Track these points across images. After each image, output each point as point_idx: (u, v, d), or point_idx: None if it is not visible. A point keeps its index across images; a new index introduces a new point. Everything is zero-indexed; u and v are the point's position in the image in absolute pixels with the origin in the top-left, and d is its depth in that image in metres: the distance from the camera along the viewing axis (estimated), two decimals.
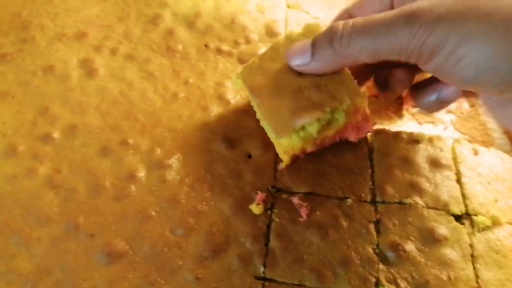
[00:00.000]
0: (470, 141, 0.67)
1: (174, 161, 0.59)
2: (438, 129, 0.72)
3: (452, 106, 0.75)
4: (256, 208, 0.55)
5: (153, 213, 0.52)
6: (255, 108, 0.54)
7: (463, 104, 0.76)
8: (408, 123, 0.73)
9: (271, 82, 0.48)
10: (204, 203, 0.53)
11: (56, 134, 0.61)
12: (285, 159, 0.55)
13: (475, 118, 0.75)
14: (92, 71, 0.68)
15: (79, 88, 0.66)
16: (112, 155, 0.59)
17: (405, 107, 0.73)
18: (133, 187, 0.54)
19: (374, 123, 0.61)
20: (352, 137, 0.58)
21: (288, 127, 0.46)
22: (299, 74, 0.48)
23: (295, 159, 0.57)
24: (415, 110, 0.74)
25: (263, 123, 0.56)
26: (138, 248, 0.52)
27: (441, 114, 0.74)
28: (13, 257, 0.51)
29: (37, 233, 0.52)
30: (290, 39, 0.50)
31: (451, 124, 0.73)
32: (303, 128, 0.48)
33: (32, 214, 0.52)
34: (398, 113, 0.73)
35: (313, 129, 0.48)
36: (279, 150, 0.55)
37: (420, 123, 0.73)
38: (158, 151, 0.59)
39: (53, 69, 0.68)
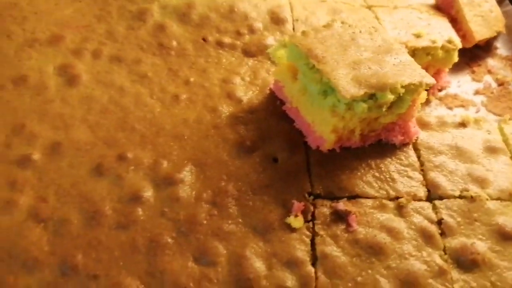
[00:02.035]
0: None
1: (186, 174, 0.49)
2: (470, 113, 0.65)
3: (479, 86, 0.69)
4: (295, 221, 0.45)
5: (169, 240, 0.43)
6: (299, 77, 0.51)
7: (491, 83, 0.70)
8: (437, 109, 0.65)
9: (331, 50, 0.48)
10: (230, 222, 0.44)
11: (36, 156, 0.50)
12: (331, 138, 0.49)
13: (507, 97, 0.69)
14: (73, 78, 0.58)
15: (59, 99, 0.56)
16: (108, 174, 0.49)
17: (431, 91, 0.66)
18: (139, 211, 0.45)
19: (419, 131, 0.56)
20: (398, 139, 0.53)
21: (355, 89, 0.45)
22: (359, 48, 0.49)
23: (339, 144, 0.51)
24: (442, 93, 0.67)
25: (304, 101, 0.51)
26: (157, 287, 0.41)
27: (470, 96, 0.67)
28: None
29: (25, 280, 0.42)
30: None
31: (482, 106, 0.66)
32: (365, 101, 0.46)
33: (16, 258, 0.44)
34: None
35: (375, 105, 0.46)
36: (326, 129, 0.48)
37: (450, 108, 0.66)
38: (165, 164, 0.49)
39: (25, 79, 0.58)
